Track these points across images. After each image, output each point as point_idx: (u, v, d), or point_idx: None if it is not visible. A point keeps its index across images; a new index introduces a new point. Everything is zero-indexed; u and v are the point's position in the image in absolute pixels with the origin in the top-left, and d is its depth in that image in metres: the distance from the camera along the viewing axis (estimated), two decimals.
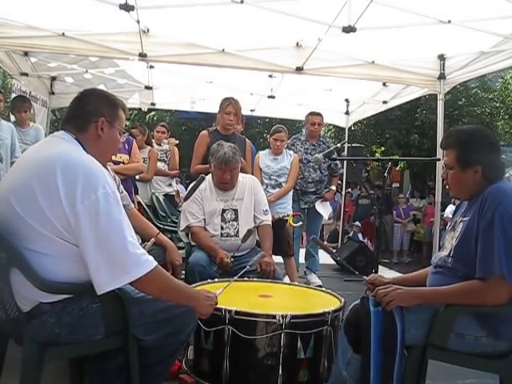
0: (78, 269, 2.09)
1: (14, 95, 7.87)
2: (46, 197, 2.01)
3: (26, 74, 8.15)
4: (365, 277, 2.56)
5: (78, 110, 2.33)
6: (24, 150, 5.34)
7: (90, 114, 2.30)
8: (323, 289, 3.59)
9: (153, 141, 7.54)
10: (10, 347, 2.32)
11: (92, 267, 2.02)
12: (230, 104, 5.20)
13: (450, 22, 5.37)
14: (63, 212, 2.00)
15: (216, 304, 2.53)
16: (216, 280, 3.52)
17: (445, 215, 10.63)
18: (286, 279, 5.14)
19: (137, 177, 6.32)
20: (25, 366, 2.04)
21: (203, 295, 2.44)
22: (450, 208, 10.57)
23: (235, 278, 3.25)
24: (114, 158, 5.17)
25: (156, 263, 2.12)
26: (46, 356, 2.07)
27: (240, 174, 4.30)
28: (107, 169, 2.79)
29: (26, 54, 7.75)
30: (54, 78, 9.29)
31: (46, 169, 2.05)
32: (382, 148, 17.66)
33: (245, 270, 3.33)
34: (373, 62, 6.71)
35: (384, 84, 8.22)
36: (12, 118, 7.01)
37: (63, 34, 6.19)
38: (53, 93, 9.46)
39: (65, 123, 2.32)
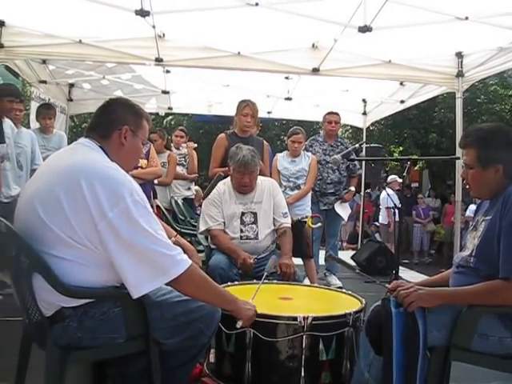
0: (100, 274, 2.12)
1: (33, 103, 7.97)
2: (71, 204, 2.03)
3: (44, 82, 8.22)
4: (387, 285, 2.54)
5: (103, 117, 2.36)
6: (47, 156, 5.38)
7: (114, 122, 2.32)
8: (344, 290, 3.58)
9: (171, 145, 7.57)
10: (33, 351, 2.34)
11: (127, 271, 2.04)
12: (247, 105, 5.22)
13: (467, 18, 5.31)
14: (91, 220, 2.02)
15: (255, 309, 2.57)
16: (236, 283, 3.52)
17: (466, 214, 10.55)
18: (306, 281, 5.13)
19: (156, 181, 6.34)
20: (48, 370, 2.06)
21: (241, 300, 2.46)
22: (472, 207, 10.49)
23: (263, 280, 3.24)
24: None
25: (191, 262, 2.15)
26: (68, 360, 2.09)
27: (258, 176, 4.30)
28: None
29: (44, 61, 7.82)
30: (71, 85, 9.35)
31: (72, 176, 2.07)
32: (401, 148, 17.53)
33: (264, 278, 3.30)
34: (389, 61, 6.66)
35: (401, 83, 8.15)
36: (33, 125, 7.10)
37: (80, 41, 6.24)
38: (71, 99, 9.52)
39: (89, 131, 2.35)
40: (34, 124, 6.87)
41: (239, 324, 2.51)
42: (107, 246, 2.03)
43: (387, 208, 11.57)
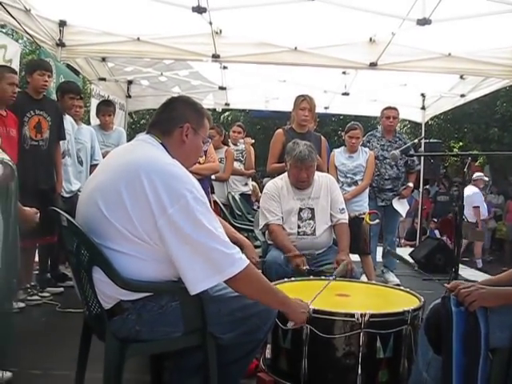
0: (159, 268, 2.13)
1: (93, 100, 8.16)
2: (132, 200, 2.05)
3: (103, 79, 8.42)
4: (446, 285, 2.48)
5: (165, 114, 2.38)
6: (106, 152, 5.50)
7: (176, 119, 2.34)
8: (401, 287, 3.52)
9: (229, 141, 7.60)
10: (93, 342, 2.39)
11: (185, 267, 2.05)
12: (304, 100, 5.21)
13: None
14: (151, 215, 2.03)
15: (309, 313, 2.56)
16: (293, 279, 3.51)
17: None
18: (364, 278, 5.08)
19: (213, 176, 6.37)
20: (108, 361, 2.09)
21: (296, 302, 2.45)
22: None
23: (331, 280, 3.19)
24: None
25: (248, 262, 2.14)
26: (127, 352, 2.11)
27: (316, 172, 4.28)
28: None
29: (103, 59, 8.01)
30: (130, 82, 9.54)
31: (133, 172, 2.08)
32: (460, 143, 17.15)
33: (327, 284, 3.23)
34: (449, 54, 6.52)
35: (461, 77, 7.97)
36: (93, 121, 7.25)
37: (138, 38, 6.37)
38: (129, 96, 9.71)
39: (151, 127, 2.37)
40: (94, 120, 7.02)
41: (290, 325, 2.49)
42: (167, 241, 2.04)
43: (475, 207, 11.29)
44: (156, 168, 2.10)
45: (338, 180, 5.67)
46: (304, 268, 3.85)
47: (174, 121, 2.33)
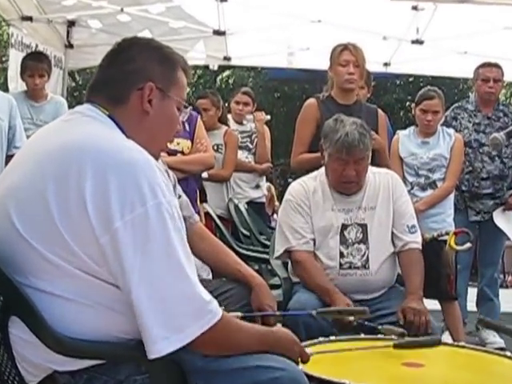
0: (114, 319, 2.13)
1: (12, 51, 8.11)
2: (63, 209, 2.04)
3: (29, 19, 8.39)
4: None
5: (113, 70, 2.39)
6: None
7: (131, 78, 2.34)
8: (508, 354, 3.47)
9: (229, 117, 7.64)
10: None
11: (139, 314, 2.04)
12: (345, 49, 5.29)
13: None
14: (91, 232, 2.02)
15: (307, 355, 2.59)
16: (333, 338, 3.48)
17: None
18: (447, 337, 5.08)
19: (205, 174, 6.36)
20: None
21: (284, 334, 2.53)
22: None
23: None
24: (168, 144, 5.24)
25: (221, 312, 2.15)
26: None
27: (370, 168, 4.30)
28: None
29: None
30: (71, 23, 9.50)
31: (64, 165, 2.08)
32: None
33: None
34: None
35: None
36: (13, 85, 7.22)
37: None
38: (71, 45, 9.67)
39: (92, 92, 2.39)
40: (16, 84, 7.12)
41: None
42: (114, 272, 2.05)
43: None
44: (101, 155, 2.10)
45: (404, 180, 5.67)
46: (352, 320, 3.77)
47: (127, 80, 2.35)
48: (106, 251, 2.02)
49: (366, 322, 3.81)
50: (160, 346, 2.02)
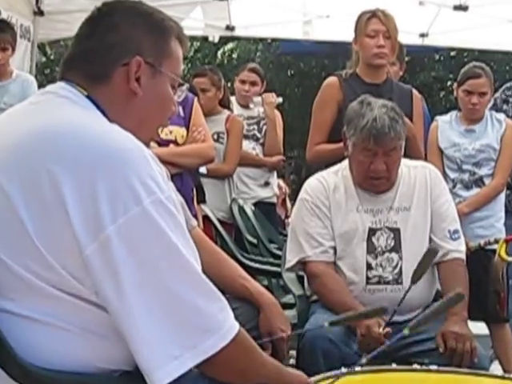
0: (94, 345, 2.10)
1: None
2: (35, 214, 2.00)
3: None
4: None
5: (93, 42, 2.34)
6: None
7: (114, 51, 2.30)
8: None
9: (233, 100, 7.68)
10: None
11: (138, 338, 2.01)
12: (373, 17, 5.29)
13: None
14: (74, 242, 1.98)
15: None
16: (359, 369, 3.34)
17: None
18: (496, 367, 4.99)
19: (203, 169, 6.39)
20: None
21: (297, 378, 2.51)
22: None
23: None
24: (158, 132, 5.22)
25: (238, 326, 2.16)
26: None
27: (403, 160, 4.30)
28: None
29: None
30: None
31: (36, 159, 2.04)
32: None
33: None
34: None
35: None
36: None
37: None
38: (40, 12, 9.75)
39: (67, 69, 2.35)
40: None
41: None
42: (99, 287, 2.00)
43: None
44: (80, 146, 2.04)
45: (445, 176, 5.61)
46: (381, 330, 3.76)
47: (110, 53, 2.30)
48: (93, 264, 1.98)
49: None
50: (170, 367, 2.01)
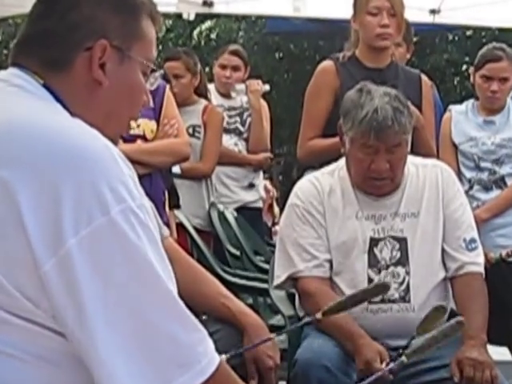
0: (53, 377, 2.06)
1: None
2: None
3: None
4: None
5: (49, 22, 2.29)
6: None
7: (75, 33, 2.25)
8: None
9: (211, 88, 7.70)
10: None
11: (107, 368, 1.96)
12: None
13: None
14: (29, 258, 1.93)
15: None
16: None
17: None
18: None
19: (176, 169, 6.40)
20: None
21: None
22: None
23: None
24: None
25: (218, 359, 2.11)
26: None
27: (410, 158, 4.33)
28: None
29: None
30: None
31: None
32: None
33: None
34: None
35: None
36: None
37: None
38: None
39: (20, 53, 2.31)
40: None
41: None
42: (58, 311, 1.94)
43: None
44: (36, 146, 2.00)
45: (460, 176, 5.67)
46: (383, 366, 3.72)
47: (70, 35, 2.23)
48: (51, 282, 1.93)
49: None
50: None
